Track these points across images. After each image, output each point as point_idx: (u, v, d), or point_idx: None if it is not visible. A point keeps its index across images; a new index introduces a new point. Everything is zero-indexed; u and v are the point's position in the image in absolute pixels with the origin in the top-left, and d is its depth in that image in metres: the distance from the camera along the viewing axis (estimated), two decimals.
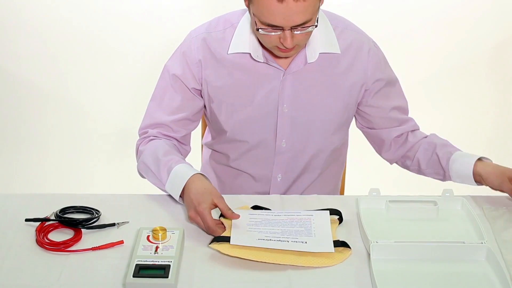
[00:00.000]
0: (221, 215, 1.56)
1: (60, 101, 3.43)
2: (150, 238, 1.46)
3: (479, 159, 1.72)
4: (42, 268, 1.41)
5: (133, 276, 1.35)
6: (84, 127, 3.42)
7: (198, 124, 1.85)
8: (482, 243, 1.47)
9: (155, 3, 3.44)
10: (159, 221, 1.57)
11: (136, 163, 1.77)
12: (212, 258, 1.46)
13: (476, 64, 3.50)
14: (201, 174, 1.62)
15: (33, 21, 3.39)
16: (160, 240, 1.45)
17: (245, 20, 1.70)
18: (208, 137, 1.96)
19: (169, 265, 1.38)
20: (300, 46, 1.62)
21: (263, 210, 1.62)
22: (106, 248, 1.48)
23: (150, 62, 2.97)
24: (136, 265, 1.38)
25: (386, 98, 1.82)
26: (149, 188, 1.72)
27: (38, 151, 3.37)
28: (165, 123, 1.77)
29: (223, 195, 1.60)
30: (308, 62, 1.69)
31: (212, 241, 1.49)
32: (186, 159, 1.82)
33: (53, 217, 1.57)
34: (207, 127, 1.96)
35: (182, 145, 1.82)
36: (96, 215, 1.58)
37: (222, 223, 1.55)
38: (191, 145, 1.87)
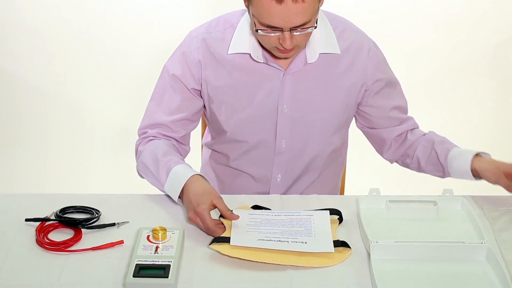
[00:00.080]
0: (221, 215, 1.56)
1: (60, 101, 3.43)
2: (150, 238, 1.46)
3: (477, 154, 1.71)
4: (42, 268, 1.41)
5: (133, 276, 1.35)
6: (84, 127, 3.42)
7: (197, 124, 1.85)
8: (482, 243, 1.47)
9: (155, 3, 3.44)
10: (159, 221, 1.57)
11: (136, 163, 1.77)
12: (212, 258, 1.46)
13: (477, 64, 3.50)
14: (199, 175, 1.62)
15: (33, 21, 3.39)
16: (160, 240, 1.45)
17: (245, 21, 1.70)
18: (208, 137, 1.96)
19: (169, 265, 1.38)
20: (300, 47, 1.62)
21: (263, 210, 1.63)
22: (106, 248, 1.48)
23: (150, 62, 2.96)
24: (136, 265, 1.38)
25: (386, 98, 1.82)
26: (149, 188, 1.72)
27: (38, 151, 3.36)
28: (164, 123, 1.77)
29: (223, 195, 1.60)
30: (308, 62, 1.69)
31: (212, 242, 1.49)
32: (185, 159, 1.82)
33: (53, 217, 1.57)
34: (207, 127, 1.96)
35: (181, 145, 1.81)
36: (96, 215, 1.58)
37: (222, 223, 1.55)
38: (190, 145, 1.87)
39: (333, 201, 1.69)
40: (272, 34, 1.55)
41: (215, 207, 1.54)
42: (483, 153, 1.74)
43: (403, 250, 1.46)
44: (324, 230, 1.53)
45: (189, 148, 1.86)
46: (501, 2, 3.46)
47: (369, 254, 1.45)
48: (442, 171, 1.80)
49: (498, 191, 1.69)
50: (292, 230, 1.53)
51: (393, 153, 1.89)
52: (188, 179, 1.59)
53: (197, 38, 1.73)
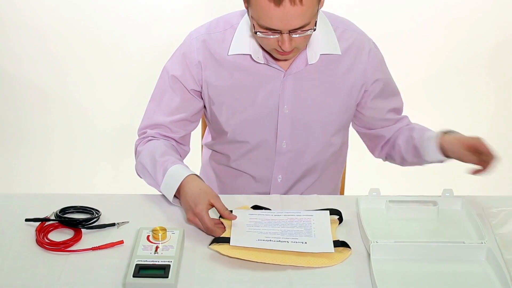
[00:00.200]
0: (220, 216, 1.56)
1: (60, 101, 3.43)
2: (150, 238, 1.46)
3: (446, 132, 1.72)
4: (42, 268, 1.41)
5: (133, 276, 1.35)
6: (84, 127, 3.42)
7: (197, 125, 1.85)
8: (482, 243, 1.47)
9: (155, 3, 3.44)
10: (159, 221, 1.57)
11: (135, 163, 1.78)
12: (212, 258, 1.46)
13: (476, 64, 3.50)
14: (195, 174, 1.62)
15: (33, 21, 3.39)
16: (160, 240, 1.45)
17: (245, 21, 1.70)
18: (208, 138, 1.96)
19: (169, 265, 1.38)
20: (299, 49, 1.62)
21: (263, 210, 1.63)
22: (106, 248, 1.48)
23: (150, 62, 2.97)
24: (136, 265, 1.38)
25: (384, 100, 1.82)
26: (149, 188, 1.72)
27: (38, 151, 3.36)
28: (163, 123, 1.77)
29: (223, 196, 1.60)
30: (309, 63, 1.69)
31: (212, 242, 1.49)
32: (185, 159, 1.82)
33: (53, 217, 1.57)
34: (207, 127, 1.96)
35: (181, 146, 1.81)
36: (96, 215, 1.58)
37: (222, 223, 1.55)
38: (190, 146, 1.87)
39: (333, 201, 1.69)
40: (271, 37, 1.55)
41: (212, 206, 1.55)
42: (453, 131, 1.73)
43: (403, 250, 1.46)
44: (324, 230, 1.53)
45: (189, 148, 1.86)
46: (501, 2, 3.46)
47: (369, 254, 1.45)
48: (418, 156, 1.79)
49: (498, 191, 1.69)
50: (292, 230, 1.53)
51: (381, 150, 1.91)
52: (184, 179, 1.59)
53: (197, 39, 1.73)
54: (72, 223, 1.55)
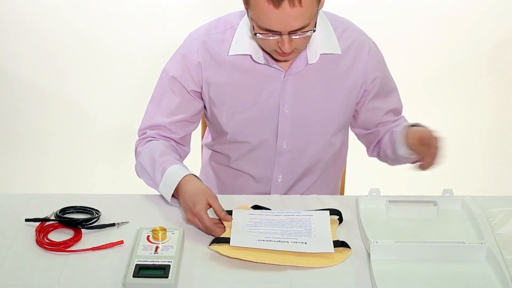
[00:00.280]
0: None
1: (60, 101, 3.43)
2: (150, 238, 1.46)
3: (414, 125, 1.70)
4: (42, 268, 1.41)
5: (133, 276, 1.35)
6: (84, 127, 3.42)
7: (197, 125, 1.85)
8: (482, 243, 1.47)
9: (155, 3, 3.45)
10: (159, 221, 1.57)
11: (135, 164, 1.78)
12: (212, 258, 1.46)
13: (477, 63, 3.50)
14: (193, 174, 1.62)
15: (33, 21, 3.39)
16: (160, 240, 1.45)
17: (245, 22, 1.70)
18: (208, 138, 1.96)
19: (169, 265, 1.38)
20: (299, 50, 1.62)
21: (263, 210, 1.63)
22: (106, 248, 1.48)
23: (150, 62, 2.97)
24: (136, 265, 1.38)
25: (382, 100, 1.81)
26: (149, 188, 1.72)
27: (38, 151, 3.37)
28: (163, 124, 1.77)
29: (223, 196, 1.60)
30: (309, 63, 1.69)
31: (212, 242, 1.49)
32: (186, 159, 1.82)
33: (53, 217, 1.57)
34: (207, 128, 1.96)
35: (181, 146, 1.82)
36: (96, 215, 1.58)
37: (221, 223, 1.55)
38: (190, 146, 1.87)
39: (333, 201, 1.69)
40: (271, 38, 1.55)
41: (211, 206, 1.55)
42: (420, 125, 1.71)
43: (403, 250, 1.46)
44: (324, 230, 1.53)
45: (189, 149, 1.86)
46: (501, 2, 3.46)
47: (369, 254, 1.45)
48: (394, 151, 1.77)
49: (498, 191, 1.69)
50: (292, 230, 1.53)
51: (373, 149, 1.91)
52: (182, 179, 1.59)
53: (197, 40, 1.73)
54: (72, 223, 1.55)
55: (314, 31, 1.56)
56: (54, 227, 1.55)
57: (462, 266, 1.44)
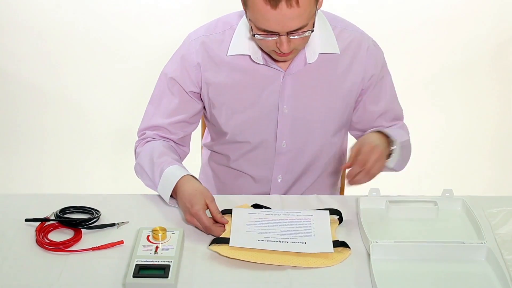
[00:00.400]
0: (221, 212, 1.56)
1: (59, 101, 3.43)
2: (150, 238, 1.46)
3: (378, 132, 1.67)
4: (42, 268, 1.41)
5: (133, 276, 1.35)
6: (84, 127, 3.42)
7: (196, 126, 1.85)
8: (482, 243, 1.47)
9: (155, 3, 3.45)
10: (159, 221, 1.57)
11: (134, 165, 1.78)
12: (212, 258, 1.46)
13: (477, 63, 3.50)
14: (191, 175, 1.62)
15: (33, 21, 3.39)
16: (160, 240, 1.45)
17: (244, 22, 1.70)
18: (207, 138, 1.96)
19: (169, 265, 1.38)
20: (298, 50, 1.62)
21: (263, 210, 1.62)
22: (106, 248, 1.48)
23: (150, 63, 2.97)
24: (136, 265, 1.38)
25: (376, 99, 1.79)
26: (149, 188, 1.72)
27: (38, 151, 3.37)
28: (162, 125, 1.77)
29: (223, 196, 1.60)
30: (308, 62, 1.69)
31: (212, 243, 1.49)
32: (185, 160, 1.82)
33: (53, 217, 1.57)
34: (207, 128, 1.96)
35: (180, 147, 1.82)
36: (96, 215, 1.58)
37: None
38: (190, 147, 1.87)
39: (333, 201, 1.69)
40: (270, 38, 1.55)
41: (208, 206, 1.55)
42: (380, 132, 1.67)
43: (403, 250, 1.46)
44: (323, 230, 1.53)
45: (189, 149, 1.86)
46: (501, 2, 3.46)
47: (369, 254, 1.45)
48: None
49: (498, 191, 1.69)
50: (292, 230, 1.53)
51: None
52: (179, 180, 1.59)
53: (196, 41, 1.73)
54: (72, 223, 1.55)
55: (313, 31, 1.56)
56: (54, 227, 1.55)
57: (462, 266, 1.44)
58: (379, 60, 1.78)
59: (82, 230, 1.54)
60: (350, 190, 1.86)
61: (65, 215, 1.58)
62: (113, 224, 1.56)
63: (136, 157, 1.78)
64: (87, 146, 3.38)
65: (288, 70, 1.70)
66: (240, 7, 1.62)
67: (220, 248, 1.47)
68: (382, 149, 1.59)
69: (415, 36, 3.46)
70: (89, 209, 1.60)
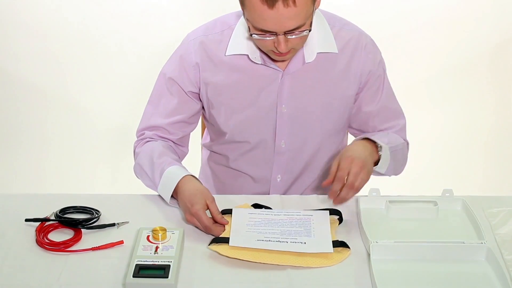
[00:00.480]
0: (221, 212, 1.57)
1: (60, 101, 3.43)
2: (150, 238, 1.46)
3: (364, 139, 1.66)
4: (42, 268, 1.41)
5: (133, 276, 1.35)
6: (84, 127, 3.42)
7: (195, 126, 1.85)
8: (482, 243, 1.47)
9: (155, 3, 3.44)
10: (159, 221, 1.57)
11: (133, 165, 1.78)
12: (212, 258, 1.46)
13: (477, 64, 3.50)
14: (192, 175, 1.62)
15: (33, 21, 3.39)
16: (160, 240, 1.45)
17: (242, 22, 1.70)
18: (207, 138, 1.96)
19: (169, 265, 1.38)
20: (296, 49, 1.62)
21: (263, 209, 1.63)
22: (106, 248, 1.48)
23: (150, 62, 2.97)
24: (136, 265, 1.38)
25: (372, 97, 1.78)
26: (149, 188, 1.72)
27: (38, 151, 3.37)
28: (161, 125, 1.77)
29: (223, 196, 1.60)
30: (306, 62, 1.69)
31: (211, 242, 1.49)
32: (185, 160, 1.82)
33: (53, 217, 1.57)
34: (206, 128, 1.96)
35: (179, 147, 1.82)
36: (96, 215, 1.58)
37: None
38: (189, 147, 1.87)
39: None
40: (267, 38, 1.55)
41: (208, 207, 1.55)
42: (377, 142, 1.66)
43: (403, 250, 1.46)
44: (323, 230, 1.53)
45: (187, 150, 1.86)
46: (501, 2, 3.46)
47: (369, 254, 1.45)
48: None
49: (498, 191, 1.69)
50: (292, 230, 1.53)
51: None
52: (180, 180, 1.60)
53: (194, 41, 1.74)
54: (72, 223, 1.55)
55: (310, 30, 1.56)
56: (54, 227, 1.55)
57: (462, 266, 1.44)
58: (376, 57, 1.77)
59: (82, 230, 1.54)
60: None
61: (65, 215, 1.58)
62: (113, 224, 1.56)
63: (135, 158, 1.78)
64: (87, 146, 3.38)
65: (287, 69, 1.70)
66: (239, 7, 1.62)
67: (220, 247, 1.47)
68: (363, 159, 1.57)
69: (415, 36, 3.46)
70: (89, 209, 1.60)
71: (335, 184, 1.54)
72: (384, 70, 1.81)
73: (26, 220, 1.56)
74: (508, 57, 3.52)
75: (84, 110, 3.43)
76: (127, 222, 1.57)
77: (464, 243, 1.47)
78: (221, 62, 1.72)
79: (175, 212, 1.63)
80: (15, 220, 1.57)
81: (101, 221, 1.58)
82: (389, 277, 1.40)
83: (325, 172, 1.90)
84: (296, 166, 1.84)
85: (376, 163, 1.66)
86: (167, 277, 1.35)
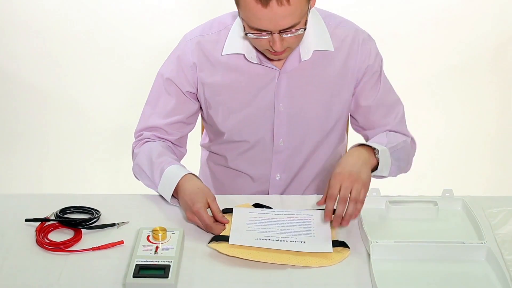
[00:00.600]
0: (222, 211, 1.57)
1: (59, 101, 3.43)
2: (150, 238, 1.46)
3: (361, 145, 1.63)
4: (42, 268, 1.41)
5: (133, 276, 1.35)
6: (84, 127, 3.42)
7: (193, 127, 1.85)
8: (482, 243, 1.47)
9: (155, 3, 3.45)
10: (159, 221, 1.57)
11: (132, 166, 1.78)
12: (212, 258, 1.46)
13: (477, 64, 3.50)
14: (192, 174, 1.62)
15: (33, 21, 3.39)
16: (160, 240, 1.45)
17: (238, 22, 1.70)
18: (205, 139, 1.96)
19: (169, 265, 1.38)
20: (292, 48, 1.61)
21: (264, 209, 1.63)
22: (106, 248, 1.48)
23: (150, 62, 2.97)
24: (136, 265, 1.38)
25: (372, 92, 1.77)
26: (149, 188, 1.72)
27: (38, 151, 3.37)
28: (159, 126, 1.77)
29: (222, 196, 1.59)
30: (302, 60, 1.69)
31: (211, 241, 1.49)
32: (184, 160, 1.82)
33: (53, 217, 1.57)
34: (205, 129, 1.96)
35: (177, 147, 1.82)
36: (96, 215, 1.58)
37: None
38: (189, 146, 1.87)
39: None
40: (263, 37, 1.55)
41: (209, 206, 1.55)
42: (373, 146, 1.62)
43: (403, 250, 1.46)
44: (323, 230, 1.53)
45: (186, 150, 1.86)
46: (501, 2, 3.46)
47: (369, 254, 1.45)
48: None
49: (498, 191, 1.69)
50: (292, 230, 1.53)
51: None
52: (181, 178, 1.60)
53: (191, 41, 1.74)
54: (72, 223, 1.55)
55: (305, 29, 1.56)
56: (54, 227, 1.55)
57: (462, 266, 1.44)
58: (373, 51, 1.76)
59: (82, 230, 1.54)
60: None
61: (65, 215, 1.58)
62: (113, 224, 1.56)
63: (134, 158, 1.78)
64: (87, 146, 3.38)
65: (283, 68, 1.71)
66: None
67: (219, 245, 1.47)
68: (355, 171, 1.52)
69: (415, 36, 3.46)
70: (89, 209, 1.60)
71: (327, 203, 1.50)
72: (381, 64, 1.79)
73: (26, 220, 1.56)
74: (509, 57, 3.52)
75: (84, 110, 3.43)
76: (127, 222, 1.57)
77: (464, 243, 1.47)
78: (218, 62, 1.72)
79: (175, 212, 1.63)
80: (15, 220, 1.57)
81: (101, 221, 1.58)
82: (389, 277, 1.40)
83: (324, 171, 1.90)
84: (295, 164, 1.84)
85: (376, 167, 1.64)
86: (167, 277, 1.35)
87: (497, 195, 1.73)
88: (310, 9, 1.57)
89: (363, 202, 1.50)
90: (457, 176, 3.21)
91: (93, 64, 3.43)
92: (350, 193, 1.49)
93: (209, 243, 1.49)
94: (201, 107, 1.82)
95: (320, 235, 1.51)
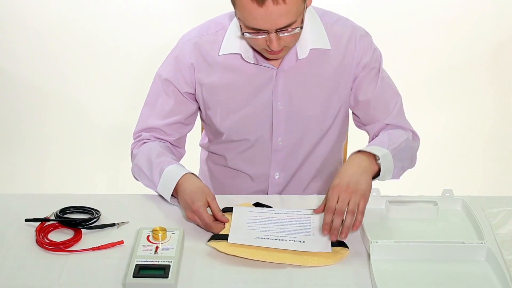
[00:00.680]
0: (222, 210, 1.57)
1: (60, 101, 3.43)
2: (150, 238, 1.46)
3: (360, 152, 1.59)
4: (42, 268, 1.41)
5: (133, 276, 1.35)
6: (84, 127, 3.42)
7: (192, 127, 1.85)
8: (482, 243, 1.47)
9: (154, 3, 3.45)
10: (159, 221, 1.57)
11: (131, 166, 1.78)
12: (212, 258, 1.46)
13: (477, 64, 3.50)
14: (192, 173, 1.63)
15: (33, 21, 3.39)
16: (160, 240, 1.45)
17: (235, 22, 1.70)
18: (204, 139, 1.97)
19: (169, 265, 1.38)
20: (289, 47, 1.61)
21: (264, 208, 1.63)
22: (106, 248, 1.48)
23: (150, 62, 2.97)
24: (136, 265, 1.38)
25: (370, 86, 1.76)
26: (149, 188, 1.72)
27: (38, 151, 3.37)
28: (158, 127, 1.78)
29: (222, 196, 1.59)
30: (299, 58, 1.69)
31: (210, 239, 1.49)
32: (183, 159, 1.83)
33: (53, 217, 1.57)
34: (204, 129, 1.96)
35: (176, 148, 1.82)
36: (96, 215, 1.58)
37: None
38: (189, 146, 1.87)
39: None
40: (259, 37, 1.55)
41: (209, 205, 1.55)
42: (372, 152, 1.58)
43: (403, 250, 1.46)
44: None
45: (184, 151, 1.86)
46: (501, 2, 3.46)
47: (369, 254, 1.45)
48: None
49: (498, 191, 1.69)
50: (291, 229, 1.53)
51: None
52: (180, 178, 1.60)
53: (189, 42, 1.74)
54: (72, 223, 1.55)
55: (302, 28, 1.56)
56: (54, 227, 1.55)
57: (462, 266, 1.44)
58: (370, 47, 1.75)
59: (82, 230, 1.54)
60: None
61: (65, 215, 1.58)
62: (113, 224, 1.56)
63: (132, 159, 1.78)
64: (87, 146, 3.38)
65: (280, 67, 1.71)
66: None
67: (219, 244, 1.47)
68: (353, 182, 1.49)
69: (415, 36, 3.46)
70: (89, 209, 1.61)
71: (325, 216, 1.48)
72: (380, 60, 1.78)
73: (26, 220, 1.56)
74: (508, 57, 3.52)
75: (84, 110, 3.43)
76: (127, 222, 1.58)
77: (464, 243, 1.47)
78: (215, 62, 1.72)
79: (175, 212, 1.63)
80: (15, 220, 1.57)
81: (101, 221, 1.58)
82: (389, 277, 1.40)
83: (323, 169, 1.89)
84: (293, 162, 1.84)
85: (378, 173, 1.61)
86: (167, 277, 1.35)
87: (497, 195, 1.73)
88: (306, 7, 1.57)
89: (363, 213, 1.47)
90: (457, 176, 3.21)
91: (93, 64, 3.43)
92: (348, 205, 1.47)
93: (208, 241, 1.49)
94: (200, 108, 1.82)
95: (320, 234, 1.51)
